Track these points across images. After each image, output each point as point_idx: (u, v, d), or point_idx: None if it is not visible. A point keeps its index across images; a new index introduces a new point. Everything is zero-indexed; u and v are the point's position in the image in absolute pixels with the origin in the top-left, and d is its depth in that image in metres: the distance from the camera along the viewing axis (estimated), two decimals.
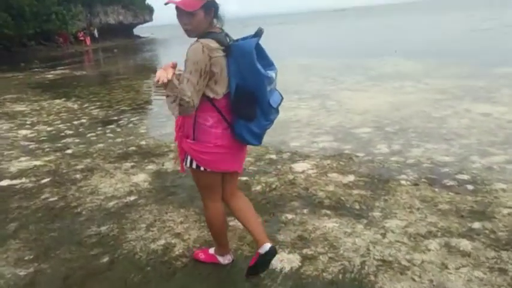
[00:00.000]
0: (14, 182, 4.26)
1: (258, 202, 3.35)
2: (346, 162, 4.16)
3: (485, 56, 11.18)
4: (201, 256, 2.56)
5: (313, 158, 4.37)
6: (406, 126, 5.23)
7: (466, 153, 4.13)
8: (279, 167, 4.18)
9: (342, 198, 3.30)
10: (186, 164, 2.15)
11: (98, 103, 8.92)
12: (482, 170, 3.69)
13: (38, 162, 4.89)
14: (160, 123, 6.67)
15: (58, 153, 5.28)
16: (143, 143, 5.49)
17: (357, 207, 3.13)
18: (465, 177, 3.57)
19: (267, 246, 2.18)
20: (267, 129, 2.07)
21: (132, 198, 3.65)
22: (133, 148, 5.27)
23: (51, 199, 3.74)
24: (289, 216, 3.07)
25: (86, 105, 8.85)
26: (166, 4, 1.97)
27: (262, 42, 2.01)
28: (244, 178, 3.90)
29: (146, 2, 54.73)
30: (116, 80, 12.85)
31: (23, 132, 6.69)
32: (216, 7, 2.00)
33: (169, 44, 36.02)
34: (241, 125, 1.99)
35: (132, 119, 7.11)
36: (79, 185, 4.04)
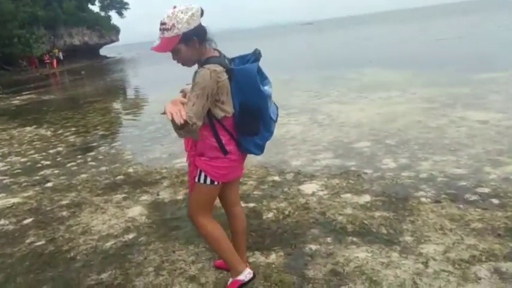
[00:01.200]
0: None
1: (274, 232, 3.06)
2: (356, 181, 3.94)
3: (458, 63, 11.41)
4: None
5: (320, 177, 4.13)
6: (406, 138, 5.09)
7: (477, 164, 4.00)
8: (285, 189, 3.91)
9: (365, 222, 3.05)
10: (199, 180, 2.20)
11: (73, 128, 8.42)
12: (501, 182, 3.55)
13: (16, 200, 4.42)
14: (146, 147, 6.28)
15: (37, 188, 4.82)
16: (131, 170, 5.10)
17: (384, 231, 2.89)
18: (486, 190, 3.42)
19: (249, 273, 2.38)
20: (268, 139, 2.21)
21: (131, 236, 3.28)
22: (121, 177, 4.88)
23: (38, 243, 3.31)
24: (313, 246, 2.79)
25: (60, 131, 8.32)
26: (152, 50, 2.07)
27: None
28: (251, 204, 3.61)
29: (112, 22, 53.94)
30: (88, 103, 12.30)
31: None
32: (198, 34, 2.02)
33: (138, 63, 35.49)
34: (247, 140, 2.13)
35: (114, 144, 6.69)
36: (68, 224, 3.62)
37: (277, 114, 2.26)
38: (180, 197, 4.00)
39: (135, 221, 3.55)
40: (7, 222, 3.82)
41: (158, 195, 4.12)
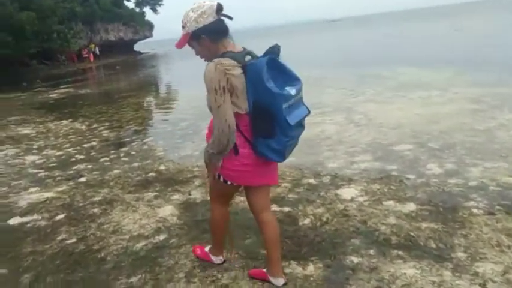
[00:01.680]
0: (25, 219, 3.80)
1: (311, 240, 2.88)
2: (398, 187, 3.69)
3: (498, 62, 10.77)
4: (198, 251, 2.79)
5: (358, 181, 3.90)
6: (451, 142, 4.77)
7: None
8: (322, 193, 3.71)
9: (411, 233, 2.82)
10: (214, 176, 2.21)
11: (107, 123, 8.50)
12: None
13: (49, 194, 4.43)
14: (177, 144, 6.22)
15: (71, 182, 4.82)
16: (162, 167, 5.03)
17: (433, 245, 2.65)
18: None
19: (281, 281, 2.35)
20: (289, 145, 2.06)
21: (162, 237, 3.18)
22: (153, 174, 4.82)
23: (69, 241, 3.27)
24: (355, 259, 2.59)
25: (94, 125, 8.42)
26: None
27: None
28: (286, 209, 3.43)
29: (146, 18, 54.81)
30: (122, 98, 12.45)
31: (31, 158, 6.25)
32: (207, 32, 2.00)
33: (170, 59, 35.84)
34: (261, 142, 2.02)
35: (146, 140, 6.67)
36: (99, 222, 3.57)
37: (303, 119, 2.08)
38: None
39: (166, 221, 3.46)
40: (40, 217, 3.81)
41: (190, 194, 4.02)
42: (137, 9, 53.99)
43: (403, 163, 4.29)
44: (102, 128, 8.10)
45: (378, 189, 3.66)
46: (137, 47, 56.29)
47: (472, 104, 6.46)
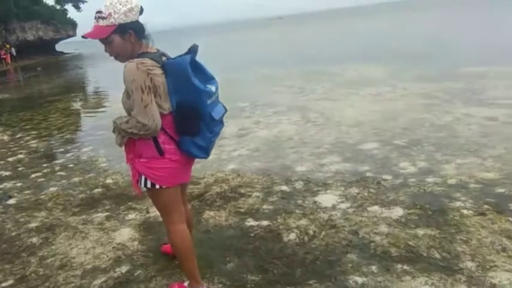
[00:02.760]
0: None
1: (303, 260, 2.53)
2: (377, 189, 3.48)
3: (437, 57, 11.32)
4: None
5: (334, 186, 3.64)
6: (416, 138, 4.70)
7: (507, 168, 3.64)
8: (299, 201, 3.39)
9: (410, 243, 2.59)
10: (140, 184, 2.09)
11: (34, 132, 7.51)
12: None
13: None
14: (121, 152, 5.48)
15: None
16: (109, 181, 4.42)
17: (437, 255, 2.43)
18: None
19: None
20: (213, 141, 2.10)
21: (124, 269, 2.66)
22: (99, 190, 4.19)
23: (4, 284, 2.62)
24: (358, 279, 2.29)
25: (19, 135, 7.40)
26: (84, 38, 2.04)
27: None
28: (265, 222, 3.07)
29: (68, 16, 51.29)
30: (48, 102, 11.26)
31: None
32: (135, 28, 1.97)
33: (97, 60, 33.75)
34: (186, 140, 2.02)
35: (84, 150, 5.92)
36: (40, 255, 2.93)
37: (223, 115, 2.13)
38: None
39: (126, 248, 2.92)
40: None
41: (148, 212, 3.49)
42: (58, 7, 50.33)
43: (375, 163, 4.11)
44: (28, 137, 7.13)
45: (358, 194, 3.42)
46: (59, 47, 52.51)
47: (424, 99, 6.55)
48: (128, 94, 1.95)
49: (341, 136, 5.14)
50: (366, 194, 3.41)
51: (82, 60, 36.18)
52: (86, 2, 53.54)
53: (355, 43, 19.11)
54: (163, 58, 2.00)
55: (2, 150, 6.40)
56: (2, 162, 5.69)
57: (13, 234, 3.33)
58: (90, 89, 15.51)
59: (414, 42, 15.84)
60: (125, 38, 1.96)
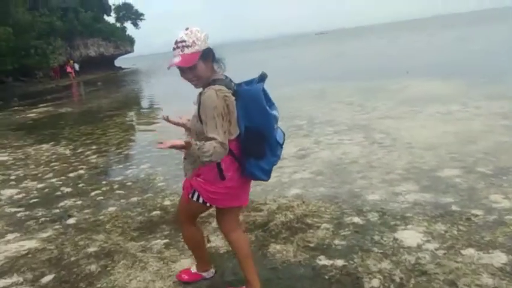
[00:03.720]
0: (1, 283, 2.96)
1: None
2: (469, 227, 3.02)
3: (510, 72, 10.42)
4: (185, 277, 2.69)
5: (415, 220, 3.22)
6: (503, 166, 4.16)
7: None
8: (376, 238, 3.01)
9: None
10: (192, 197, 2.23)
11: (94, 147, 7.65)
12: None
13: (32, 244, 3.60)
14: (179, 171, 5.38)
15: (57, 225, 4.00)
16: (167, 203, 4.26)
17: None
18: None
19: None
20: (275, 164, 2.18)
21: None
22: (158, 212, 4.04)
23: None
24: None
25: (80, 150, 7.56)
26: (169, 68, 2.08)
27: (263, 69, 2.11)
28: (339, 262, 2.72)
29: (127, 33, 53.92)
30: (108, 117, 11.59)
31: (8, 192, 5.37)
32: (211, 53, 2.10)
33: (153, 74, 35.07)
34: (251, 163, 2.10)
35: (143, 167, 5.86)
36: (98, 287, 2.77)
37: (284, 140, 2.23)
38: None
39: (189, 285, 2.69)
40: (21, 279, 2.99)
41: (209, 241, 3.26)
42: (118, 24, 53.10)
43: (459, 194, 3.63)
44: (89, 152, 7.25)
45: (445, 232, 2.99)
46: (118, 62, 55.22)
47: (504, 119, 5.91)
48: (199, 118, 2.06)
49: (414, 160, 4.67)
50: (455, 232, 2.97)
51: (138, 75, 37.68)
52: (144, 19, 56.10)
53: (410, 57, 18.25)
54: (232, 84, 2.13)
55: (64, 165, 6.53)
56: (63, 177, 5.76)
57: (72, 259, 3.21)
58: (147, 103, 15.90)
59: (478, 56, 14.82)
60: (206, 62, 2.09)
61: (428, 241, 2.88)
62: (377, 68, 15.41)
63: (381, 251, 2.82)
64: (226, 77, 2.15)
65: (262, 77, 2.08)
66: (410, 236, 2.97)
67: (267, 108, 2.04)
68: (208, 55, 2.08)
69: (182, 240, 3.30)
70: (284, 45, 61.23)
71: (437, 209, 3.38)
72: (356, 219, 3.36)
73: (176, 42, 2.05)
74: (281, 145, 2.18)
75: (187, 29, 2.08)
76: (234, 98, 2.05)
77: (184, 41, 2.03)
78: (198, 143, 1.98)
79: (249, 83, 2.12)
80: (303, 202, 3.83)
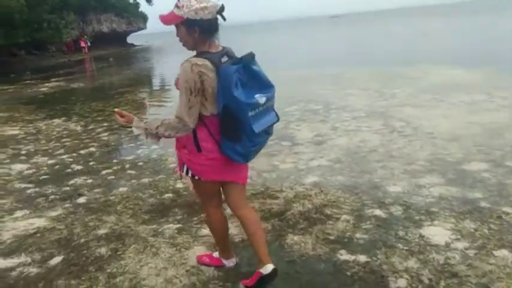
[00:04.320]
0: (10, 263, 2.88)
1: None
2: (500, 226, 2.84)
3: None
4: (206, 260, 2.64)
5: (442, 216, 3.04)
6: None
7: None
8: (400, 233, 2.85)
9: None
10: (182, 171, 2.24)
11: (106, 124, 7.54)
12: None
13: (41, 222, 3.51)
14: None
15: (67, 204, 3.91)
16: (180, 186, 4.12)
17: None
18: None
19: (270, 267, 2.25)
20: (253, 151, 2.13)
21: None
22: (170, 195, 3.92)
23: None
24: None
25: (91, 126, 7.46)
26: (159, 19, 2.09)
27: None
28: (362, 258, 2.57)
29: (140, 10, 53.32)
30: (119, 94, 11.47)
31: (18, 166, 5.29)
32: (202, 27, 2.01)
33: (165, 52, 34.75)
34: (227, 144, 2.07)
35: (154, 147, 5.70)
36: (109, 272, 2.66)
37: (270, 126, 2.14)
38: None
39: (201, 273, 2.56)
40: (29, 259, 2.89)
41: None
42: (131, 0, 52.46)
43: (488, 190, 3.43)
44: (100, 129, 7.15)
45: (475, 230, 2.81)
46: (130, 39, 54.81)
47: None
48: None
49: (437, 151, 4.46)
50: (485, 231, 2.79)
51: (151, 52, 37.41)
52: None
53: (430, 44, 17.71)
54: (225, 58, 2.04)
55: (75, 141, 6.43)
56: (74, 154, 5.67)
57: (82, 240, 3.11)
58: (160, 82, 15.73)
59: (503, 45, 14.30)
60: (190, 32, 2.02)
61: (457, 239, 2.71)
62: (395, 54, 15.00)
63: (407, 248, 2.65)
64: (223, 49, 2.09)
65: (244, 58, 2.03)
66: (437, 233, 2.80)
67: (235, 93, 1.94)
68: (193, 25, 2.00)
69: (195, 225, 3.21)
70: (296, 28, 60.10)
71: (465, 205, 3.19)
72: (378, 212, 3.19)
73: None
74: (262, 134, 2.08)
75: None
76: (214, 74, 1.98)
77: (178, 1, 2.01)
78: (147, 126, 2.09)
79: (238, 61, 2.05)
80: (321, 191, 3.66)
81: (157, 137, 2.12)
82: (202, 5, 1.97)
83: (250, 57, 2.03)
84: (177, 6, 2.00)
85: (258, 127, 2.02)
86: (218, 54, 2.05)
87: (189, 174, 2.21)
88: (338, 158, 4.59)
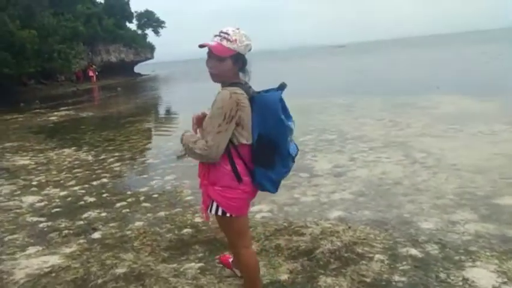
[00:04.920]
0: None
1: None
2: None
3: None
4: None
5: (484, 257, 2.85)
6: None
7: None
8: (442, 275, 2.66)
9: None
10: (211, 211, 2.17)
11: (117, 154, 7.44)
12: None
13: (55, 259, 3.34)
14: None
15: (82, 240, 3.74)
16: (198, 220, 3.96)
17: None
18: None
19: None
20: (284, 177, 2.20)
21: None
22: (189, 230, 3.75)
23: None
24: None
25: (102, 156, 7.36)
26: (200, 47, 2.08)
27: (285, 81, 2.11)
28: None
29: (147, 40, 54.46)
30: (129, 123, 11.44)
31: (29, 198, 5.16)
32: (244, 61, 2.14)
33: (172, 81, 35.25)
34: (261, 172, 2.10)
35: (168, 178, 5.60)
36: None
37: (296, 154, 2.23)
38: (283, 275, 2.79)
39: None
40: None
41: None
42: (139, 31, 53.67)
43: None
44: (112, 159, 7.04)
45: None
46: (137, 68, 55.71)
47: None
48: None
49: (464, 184, 4.30)
50: None
51: (158, 82, 37.85)
52: (165, 27, 56.64)
53: (436, 73, 17.75)
54: (252, 90, 2.13)
55: (87, 172, 6.31)
56: (87, 186, 5.54)
57: (99, 281, 2.93)
58: (169, 110, 15.75)
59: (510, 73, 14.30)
60: (235, 65, 2.10)
61: (504, 283, 2.52)
62: (403, 83, 15.00)
63: None
64: (246, 83, 2.16)
65: (282, 87, 2.09)
66: (482, 276, 2.61)
67: (282, 117, 2.03)
68: (239, 60, 2.11)
69: (219, 264, 3.03)
70: (300, 58, 60.97)
71: (506, 244, 3.01)
72: (413, 252, 3.00)
73: (220, 32, 2.07)
74: (293, 158, 2.19)
75: (237, 28, 2.11)
76: (249, 103, 2.05)
77: (228, 34, 2.05)
78: (185, 133, 2.15)
79: (267, 91, 2.12)
80: (349, 227, 3.49)
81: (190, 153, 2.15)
82: (249, 42, 2.10)
83: (285, 86, 2.11)
84: (227, 39, 2.04)
85: (292, 151, 2.16)
86: (247, 86, 2.13)
87: (219, 213, 2.15)
88: (361, 190, 4.42)
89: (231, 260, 2.81)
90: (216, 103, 2.01)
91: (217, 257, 3.07)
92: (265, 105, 2.03)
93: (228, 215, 2.15)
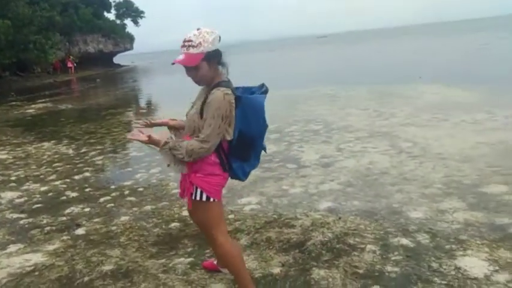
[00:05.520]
0: None
1: None
2: None
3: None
4: None
5: (474, 245, 2.86)
6: None
7: None
8: (434, 265, 2.66)
9: None
10: (195, 198, 2.21)
11: (99, 147, 7.25)
12: None
13: (38, 257, 3.22)
14: None
15: (65, 236, 3.62)
16: (186, 213, 3.86)
17: None
18: None
19: None
20: (255, 168, 2.35)
21: None
22: (176, 224, 3.67)
23: None
24: None
25: (83, 150, 7.17)
26: (173, 64, 2.14)
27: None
28: None
29: (127, 31, 53.33)
30: (110, 115, 11.19)
31: (8, 194, 4.98)
32: (218, 54, 2.16)
33: (152, 73, 34.69)
34: (237, 164, 2.23)
35: (153, 171, 5.47)
36: None
37: (265, 147, 2.36)
38: (275, 269, 2.75)
39: None
40: None
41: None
42: (118, 21, 52.48)
43: None
44: (93, 152, 6.86)
45: (511, 259, 2.64)
46: (116, 59, 54.61)
47: None
48: (200, 115, 2.11)
49: (451, 173, 4.33)
50: None
51: (138, 73, 37.21)
52: (145, 17, 55.54)
53: (417, 62, 17.92)
54: (235, 89, 2.20)
55: (68, 166, 6.13)
56: (68, 180, 5.37)
57: (85, 279, 2.83)
58: (150, 102, 15.46)
59: (495, 62, 14.55)
60: (210, 65, 2.13)
61: (496, 271, 2.53)
62: (387, 73, 15.11)
63: (445, 282, 2.46)
64: (229, 80, 2.20)
65: (266, 91, 2.23)
66: (474, 265, 2.61)
67: (264, 116, 2.19)
68: (213, 57, 2.13)
69: (209, 258, 2.96)
70: (286, 48, 60.86)
71: (495, 232, 3.03)
72: (404, 241, 3.00)
73: (184, 41, 2.09)
74: (264, 150, 2.35)
75: (198, 29, 2.11)
76: (234, 102, 2.12)
77: (191, 41, 2.07)
78: (172, 144, 2.09)
79: (247, 89, 2.25)
80: (339, 218, 3.46)
81: (184, 162, 2.16)
82: (214, 35, 2.10)
83: (267, 89, 2.25)
84: (191, 46, 2.06)
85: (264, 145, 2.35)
86: (230, 82, 2.19)
87: (203, 198, 2.20)
88: (349, 181, 4.41)
89: (215, 262, 2.75)
90: (212, 104, 2.06)
91: (201, 264, 2.90)
92: (253, 107, 2.15)
93: (211, 199, 2.21)
